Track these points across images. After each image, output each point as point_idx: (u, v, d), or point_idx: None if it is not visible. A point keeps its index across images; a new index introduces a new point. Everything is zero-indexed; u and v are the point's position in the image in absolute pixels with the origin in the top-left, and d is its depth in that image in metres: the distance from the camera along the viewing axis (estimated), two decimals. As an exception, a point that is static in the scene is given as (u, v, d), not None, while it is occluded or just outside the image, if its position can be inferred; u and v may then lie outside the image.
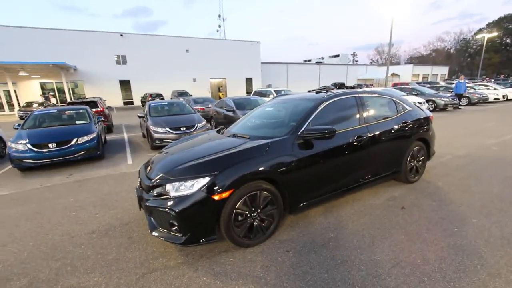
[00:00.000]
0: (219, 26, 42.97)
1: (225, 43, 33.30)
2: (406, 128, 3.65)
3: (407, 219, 2.93)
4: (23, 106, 18.02)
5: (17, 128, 6.17)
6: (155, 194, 2.38)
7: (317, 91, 3.68)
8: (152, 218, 2.45)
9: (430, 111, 13.13)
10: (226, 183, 2.24)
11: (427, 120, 3.93)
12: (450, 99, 14.22)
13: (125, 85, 27.72)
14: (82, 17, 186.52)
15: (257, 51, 35.06)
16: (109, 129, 10.63)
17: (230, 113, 8.66)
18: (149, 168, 2.85)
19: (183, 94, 21.71)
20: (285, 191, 2.60)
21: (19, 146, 5.31)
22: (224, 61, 32.31)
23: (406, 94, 14.18)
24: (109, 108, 15.69)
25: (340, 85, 30.78)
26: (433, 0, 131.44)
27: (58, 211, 3.52)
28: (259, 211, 2.48)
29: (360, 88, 25.21)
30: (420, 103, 12.56)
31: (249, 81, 34.99)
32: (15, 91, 21.61)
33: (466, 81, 20.57)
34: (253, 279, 2.06)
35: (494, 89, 18.93)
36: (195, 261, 2.31)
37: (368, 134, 3.23)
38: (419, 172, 3.95)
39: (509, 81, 25.18)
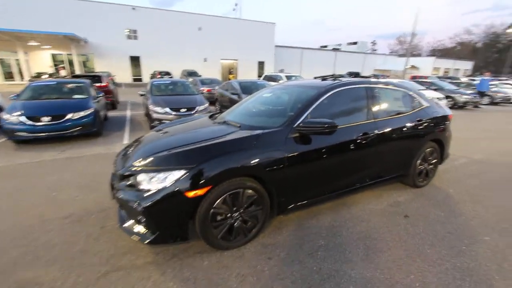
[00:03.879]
0: (236, 5, 41.23)
1: (239, 23, 32.16)
2: (420, 127, 3.24)
3: (409, 230, 2.62)
4: (33, 77, 18.07)
5: (15, 99, 6.02)
6: (127, 184, 2.13)
7: (323, 78, 3.29)
8: (122, 211, 2.22)
9: (450, 107, 12.39)
10: (203, 179, 1.96)
11: (445, 118, 3.49)
12: (472, 97, 13.35)
13: (135, 61, 27.37)
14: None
15: (271, 33, 33.81)
16: (113, 105, 10.46)
17: (235, 97, 8.30)
18: (131, 150, 2.61)
19: (192, 74, 21.32)
20: (273, 191, 2.31)
21: (12, 118, 5.16)
22: (237, 42, 31.35)
23: (424, 88, 13.38)
24: (116, 84, 15.53)
25: (355, 75, 29.36)
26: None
27: (39, 190, 3.36)
28: (241, 211, 2.21)
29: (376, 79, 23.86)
30: (438, 98, 11.82)
31: (261, 65, 34.04)
32: (26, 60, 21.63)
33: (491, 78, 19.26)
34: (224, 290, 1.83)
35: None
36: (165, 262, 2.09)
37: (376, 131, 2.86)
38: (429, 176, 3.57)
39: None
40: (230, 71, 33.52)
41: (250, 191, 2.19)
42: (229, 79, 29.54)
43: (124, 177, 2.20)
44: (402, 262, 2.17)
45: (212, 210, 2.05)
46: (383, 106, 3.07)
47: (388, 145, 2.99)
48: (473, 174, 4.16)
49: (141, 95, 8.18)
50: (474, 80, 18.97)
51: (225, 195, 2.08)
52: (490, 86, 15.30)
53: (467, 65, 52.11)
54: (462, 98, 13.07)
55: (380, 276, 2.01)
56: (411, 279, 1.98)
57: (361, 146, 2.76)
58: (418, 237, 2.51)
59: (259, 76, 31.76)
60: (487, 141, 6.42)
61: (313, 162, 2.47)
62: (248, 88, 8.53)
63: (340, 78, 3.13)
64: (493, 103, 15.34)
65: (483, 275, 2.03)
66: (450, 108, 12.63)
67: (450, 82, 16.93)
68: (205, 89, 12.21)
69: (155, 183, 1.99)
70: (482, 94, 14.12)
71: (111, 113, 9.15)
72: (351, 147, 2.69)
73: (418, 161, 3.34)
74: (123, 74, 25.99)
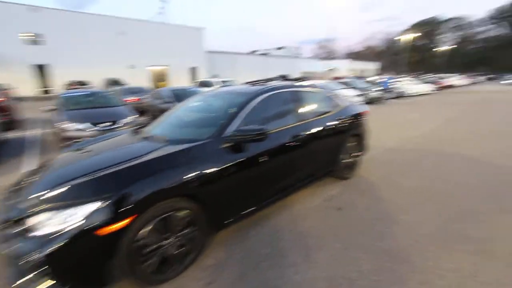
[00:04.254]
0: (162, 8, 39.25)
1: (166, 28, 30.76)
2: (342, 124, 3.55)
3: (343, 222, 2.81)
4: None
5: None
6: (19, 231, 1.68)
7: (254, 83, 3.30)
8: (13, 266, 1.74)
9: (363, 103, 14.29)
10: (123, 208, 1.68)
11: (362, 115, 3.93)
12: (380, 93, 15.77)
13: (42, 70, 23.35)
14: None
15: (201, 38, 33.38)
16: (11, 125, 8.60)
17: (167, 106, 7.78)
18: (29, 182, 2.09)
19: (115, 83, 19.32)
20: (209, 207, 2.16)
21: None
22: (166, 48, 29.87)
23: (343, 87, 15.12)
24: (16, 98, 12.88)
25: (286, 77, 31.50)
26: (368, 2, 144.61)
27: None
28: (175, 236, 1.99)
29: (304, 80, 26.23)
30: (354, 96, 13.48)
31: (193, 71, 33.22)
32: None
33: (391, 77, 23.09)
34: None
35: (412, 84, 21.65)
36: (83, 315, 1.72)
37: (305, 133, 2.99)
38: (354, 168, 3.95)
39: (425, 77, 29.21)
40: (160, 79, 31.69)
41: (183, 212, 1.99)
42: (158, 87, 27.91)
43: (16, 222, 1.73)
44: (339, 255, 2.28)
45: (138, 243, 1.78)
46: (310, 108, 3.25)
47: (317, 144, 3.17)
48: (388, 161, 4.79)
49: (48, 110, 6.92)
50: (383, 79, 22.31)
51: (153, 223, 1.83)
52: (389, 84, 18.41)
53: (376, 66, 61.30)
54: (372, 94, 15.24)
55: (321, 275, 2.06)
56: (349, 270, 2.09)
57: (294, 148, 2.84)
58: (351, 228, 2.70)
59: (195, 82, 30.98)
60: (394, 130, 7.54)
61: (249, 171, 2.42)
62: (181, 96, 8.13)
63: (270, 82, 3.19)
64: (396, 97, 18.32)
65: (404, 254, 2.28)
66: (365, 103, 14.58)
67: (363, 81, 19.58)
68: (131, 99, 11.16)
69: (60, 224, 1.61)
70: (386, 90, 16.78)
71: (13, 135, 7.53)
72: (285, 150, 2.75)
73: (344, 156, 3.65)
74: (25, 86, 21.84)
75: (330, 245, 2.43)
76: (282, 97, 2.98)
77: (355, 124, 3.76)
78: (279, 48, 74.77)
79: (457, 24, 73.64)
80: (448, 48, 64.46)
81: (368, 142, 4.30)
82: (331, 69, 48.82)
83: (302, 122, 3.01)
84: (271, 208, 3.05)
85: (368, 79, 22.86)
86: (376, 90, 15.87)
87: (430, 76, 31.63)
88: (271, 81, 3.36)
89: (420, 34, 61.64)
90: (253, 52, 58.93)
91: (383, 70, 59.36)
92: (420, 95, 20.96)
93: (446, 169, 4.31)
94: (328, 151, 3.41)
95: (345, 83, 16.55)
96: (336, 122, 3.45)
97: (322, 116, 3.31)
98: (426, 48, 73.25)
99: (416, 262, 2.18)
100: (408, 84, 21.24)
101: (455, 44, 69.44)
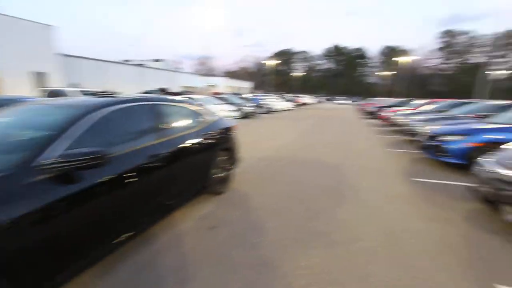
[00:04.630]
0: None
1: (-10, 18, 22.77)
2: (210, 140, 3.46)
3: (218, 241, 2.65)
4: None
5: None
6: None
7: (101, 95, 2.69)
8: None
9: (240, 117, 15.47)
10: None
11: (230, 129, 4.01)
12: (253, 109, 17.59)
13: None
14: None
15: (51, 38, 26.83)
16: None
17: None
18: None
19: None
20: (21, 275, 1.44)
21: None
22: (-8, 45, 22.00)
23: (222, 103, 15.85)
24: None
25: (165, 90, 29.99)
26: (241, 27, 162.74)
27: None
28: None
29: (185, 94, 25.96)
30: (232, 111, 14.36)
31: (40, 77, 26.07)
32: None
33: (261, 95, 26.53)
34: None
35: (278, 102, 25.60)
36: None
37: (168, 151, 2.66)
38: (227, 181, 3.95)
39: (286, 96, 35.24)
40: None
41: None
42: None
43: None
44: (215, 280, 2.07)
45: None
46: (173, 123, 2.97)
47: (184, 162, 2.91)
48: (258, 170, 5.15)
49: None
50: (255, 96, 25.06)
51: None
52: (260, 101, 21.07)
53: (250, 84, 68.66)
54: (247, 109, 16.76)
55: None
56: (218, 299, 1.91)
57: (153, 169, 2.46)
58: (225, 245, 2.57)
59: (42, 90, 24.21)
60: (265, 141, 8.41)
61: (87, 206, 1.83)
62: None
63: (115, 96, 2.68)
64: (266, 112, 20.96)
65: (274, 262, 2.34)
66: (240, 118, 15.82)
67: (239, 98, 21.35)
68: None
69: None
70: (257, 106, 18.92)
71: None
72: (142, 173, 2.31)
73: (214, 171, 3.57)
74: None
75: (205, 270, 2.19)
76: (136, 112, 2.55)
77: (224, 138, 3.78)
78: (157, 60, 71.13)
79: (304, 56, 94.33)
80: (300, 74, 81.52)
81: (239, 154, 4.45)
82: (210, 85, 50.76)
83: (163, 140, 2.67)
84: (131, 243, 2.51)
85: (243, 96, 25.25)
86: (250, 106, 17.57)
87: (290, 96, 38.61)
88: (149, 93, 2.86)
89: (280, 61, 74.36)
90: (126, 62, 53.11)
91: (255, 89, 67.36)
92: (284, 110, 24.98)
93: (304, 173, 5.06)
94: (198, 167, 3.23)
95: (223, 99, 17.53)
96: (204, 137, 3.33)
97: (187, 132, 3.10)
98: (286, 73, 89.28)
99: (283, 267, 2.26)
100: (274, 102, 24.92)
101: (305, 72, 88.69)
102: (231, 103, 16.66)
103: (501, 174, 2.88)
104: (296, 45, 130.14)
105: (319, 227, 2.96)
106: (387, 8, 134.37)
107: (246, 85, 65.15)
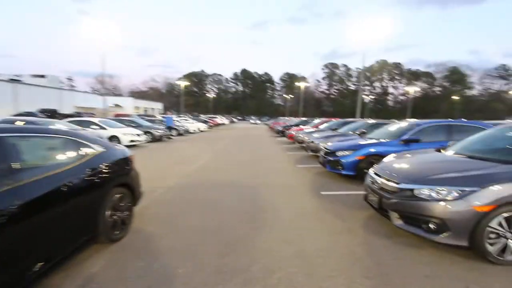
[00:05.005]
0: None
1: None
2: (98, 176, 2.76)
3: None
4: None
5: None
6: None
7: None
8: None
9: (149, 141, 14.05)
10: None
11: (126, 160, 3.35)
12: (164, 131, 16.40)
13: None
14: None
15: None
16: None
17: None
18: None
19: None
20: None
21: None
22: None
23: (125, 125, 14.08)
24: None
25: (52, 112, 24.85)
26: (145, 47, 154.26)
27: None
28: None
29: (80, 116, 21.98)
30: (139, 135, 12.90)
31: None
32: None
33: (174, 116, 25.29)
34: None
35: (192, 123, 24.96)
36: None
37: (20, 201, 1.89)
38: (126, 223, 3.23)
39: (200, 117, 34.89)
40: None
41: None
42: None
43: None
44: None
45: None
46: (35, 161, 2.21)
47: (55, 211, 2.17)
48: (167, 202, 4.55)
49: None
50: (164, 117, 23.54)
51: None
52: (174, 122, 19.96)
53: (160, 105, 64.72)
54: (158, 132, 15.45)
55: None
56: None
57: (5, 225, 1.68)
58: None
59: None
60: (177, 166, 7.74)
61: None
62: None
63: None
64: (180, 134, 19.91)
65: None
66: (150, 141, 14.42)
67: (148, 119, 19.61)
68: None
69: None
70: (170, 128, 17.81)
71: None
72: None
73: (108, 213, 2.85)
74: None
75: None
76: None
77: (119, 172, 3.12)
78: (39, 76, 58.53)
79: (216, 78, 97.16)
80: (213, 96, 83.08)
81: (142, 188, 3.78)
82: (114, 106, 45.18)
83: (17, 184, 1.91)
84: None
85: (155, 117, 23.43)
86: (161, 128, 16.31)
87: (204, 116, 38.50)
88: (23, 116, 1.96)
89: (192, 82, 74.07)
90: (-11, 76, 41.43)
91: (166, 110, 64.05)
92: (199, 132, 24.44)
93: (219, 198, 4.76)
94: (79, 213, 2.48)
95: (129, 121, 15.70)
96: (88, 174, 2.63)
97: (60, 170, 2.35)
98: (199, 94, 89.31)
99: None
100: (188, 123, 24.14)
101: (217, 93, 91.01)
102: (139, 126, 15.06)
103: (384, 184, 3.37)
104: (207, 68, 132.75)
105: (236, 263, 2.68)
106: (285, 41, 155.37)
107: (157, 106, 61.23)
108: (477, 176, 2.79)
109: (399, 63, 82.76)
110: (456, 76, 75.76)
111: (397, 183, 3.16)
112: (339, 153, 6.26)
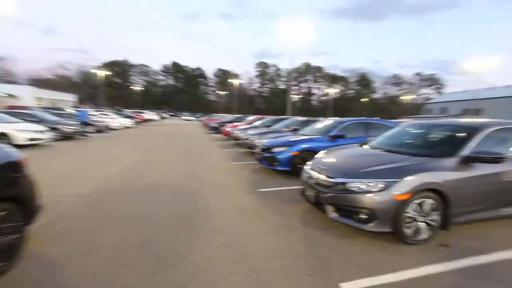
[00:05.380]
0: None
1: None
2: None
3: None
4: None
5: None
6: None
7: None
8: None
9: (56, 140, 11.64)
10: None
11: (12, 166, 2.50)
12: (77, 127, 13.93)
13: None
14: None
15: None
16: None
17: None
18: None
19: None
20: None
21: None
22: None
23: (22, 120, 11.30)
24: None
25: None
26: (49, 26, 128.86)
27: None
28: None
29: None
30: (41, 131, 10.54)
31: None
32: None
33: (91, 110, 21.88)
34: None
35: (114, 118, 22.06)
36: None
37: None
38: (14, 249, 2.42)
39: (124, 112, 31.22)
40: None
41: None
42: None
43: None
44: None
45: None
46: None
47: None
48: (79, 215, 3.71)
49: None
50: (78, 111, 20.06)
51: None
52: (89, 117, 17.23)
53: (73, 97, 55.12)
54: (69, 129, 13.00)
55: None
56: None
57: None
58: None
59: None
60: (95, 169, 6.55)
61: None
62: None
63: None
64: (98, 131, 17.27)
65: None
66: (60, 139, 12.00)
67: (55, 113, 16.26)
68: None
69: None
70: (85, 123, 15.27)
71: None
72: None
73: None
74: None
75: None
76: None
77: (3, 182, 2.31)
78: None
79: (143, 70, 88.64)
80: (140, 89, 75.65)
81: (38, 201, 2.91)
82: (7, 96, 36.18)
83: None
84: None
85: (64, 111, 19.64)
86: (73, 124, 13.77)
87: (130, 111, 34.66)
88: None
89: (114, 72, 65.93)
90: None
91: (81, 103, 55.13)
92: (123, 128, 21.77)
93: (147, 204, 4.17)
94: None
95: (28, 115, 12.67)
96: None
97: None
98: (123, 86, 79.86)
99: None
100: (109, 118, 21.20)
101: (145, 86, 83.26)
102: (42, 121, 12.32)
103: (319, 179, 3.49)
104: (132, 57, 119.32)
105: (171, 281, 2.31)
106: (218, 36, 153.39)
107: (69, 97, 51.91)
108: (397, 168, 3.13)
109: (321, 67, 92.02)
110: (365, 81, 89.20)
111: (332, 178, 3.30)
112: (275, 150, 6.36)
